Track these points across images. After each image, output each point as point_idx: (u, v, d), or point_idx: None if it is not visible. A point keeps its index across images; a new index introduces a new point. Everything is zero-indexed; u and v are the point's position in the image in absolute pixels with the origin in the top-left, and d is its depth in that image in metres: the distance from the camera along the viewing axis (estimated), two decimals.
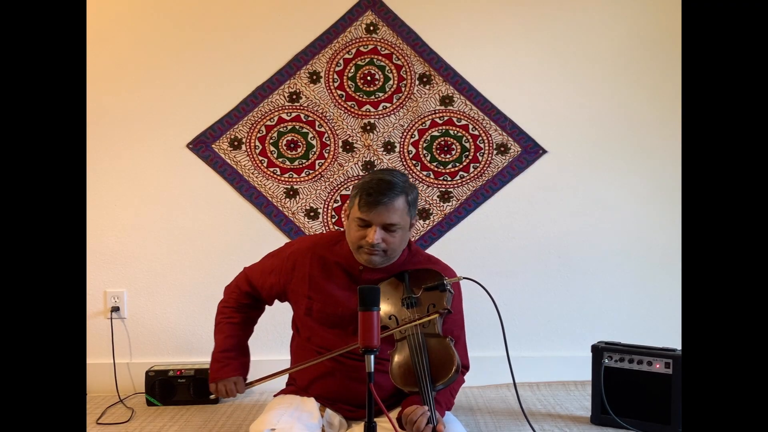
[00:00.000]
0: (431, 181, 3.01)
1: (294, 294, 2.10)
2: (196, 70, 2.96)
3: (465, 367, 2.08)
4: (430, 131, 3.00)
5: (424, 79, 2.99)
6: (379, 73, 3.00)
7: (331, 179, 3.00)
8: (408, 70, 2.99)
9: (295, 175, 3.00)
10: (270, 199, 2.99)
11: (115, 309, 2.96)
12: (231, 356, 2.15)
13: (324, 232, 2.98)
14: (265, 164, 2.99)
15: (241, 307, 2.21)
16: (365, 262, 1.99)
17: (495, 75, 2.99)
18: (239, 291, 2.22)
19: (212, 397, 2.16)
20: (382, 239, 1.93)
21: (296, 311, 2.14)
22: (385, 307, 1.98)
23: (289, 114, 2.99)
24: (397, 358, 1.93)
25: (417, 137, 3.00)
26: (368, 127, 3.00)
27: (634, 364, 2.37)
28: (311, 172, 3.00)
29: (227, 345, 2.18)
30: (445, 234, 3.00)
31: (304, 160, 3.00)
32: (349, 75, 3.00)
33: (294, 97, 2.99)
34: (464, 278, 2.02)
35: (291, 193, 3.00)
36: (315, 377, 2.05)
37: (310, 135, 3.00)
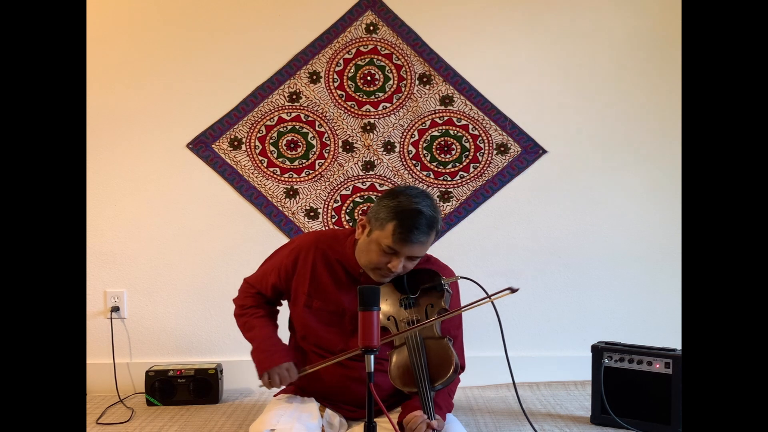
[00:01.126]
0: (431, 181, 3.01)
1: (294, 290, 2.09)
2: (196, 70, 2.96)
3: (461, 368, 2.07)
4: (430, 131, 3.00)
5: (424, 79, 2.99)
6: (379, 73, 3.00)
7: (331, 179, 3.00)
8: (408, 70, 2.99)
9: (295, 175, 3.00)
10: (270, 199, 2.99)
11: (115, 309, 2.96)
12: (277, 343, 2.06)
13: (324, 229, 2.97)
14: (265, 164, 2.99)
15: (261, 304, 2.16)
16: (376, 280, 1.97)
17: (495, 75, 2.99)
18: (251, 293, 2.17)
19: (261, 386, 2.03)
20: (403, 266, 1.91)
21: (294, 308, 2.13)
22: (383, 308, 1.98)
23: (289, 114, 2.99)
24: (395, 359, 1.93)
25: (417, 137, 3.00)
26: (368, 127, 3.00)
27: (634, 364, 2.37)
28: (311, 172, 3.00)
29: (268, 333, 2.07)
30: (445, 234, 3.00)
31: (304, 160, 3.00)
32: (349, 75, 3.00)
33: (294, 97, 2.99)
34: (461, 278, 2.01)
35: (291, 193, 3.00)
36: (315, 377, 2.05)
37: (310, 135, 3.00)
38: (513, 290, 1.88)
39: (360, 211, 2.98)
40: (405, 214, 1.82)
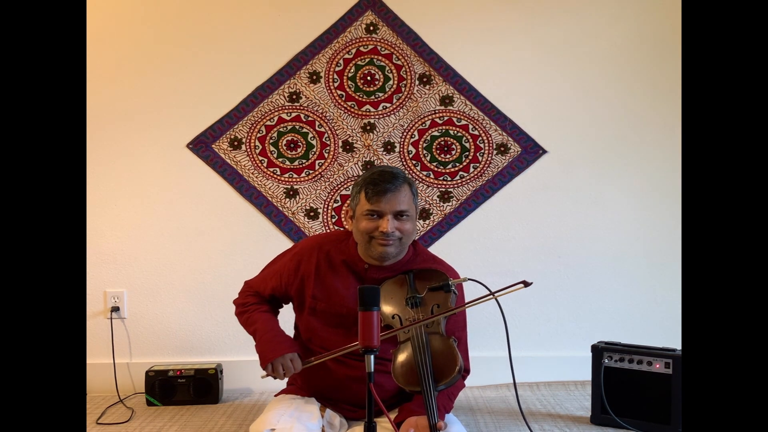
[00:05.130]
0: (431, 181, 3.01)
1: (298, 295, 2.09)
2: (197, 70, 2.96)
3: (466, 371, 2.07)
4: (430, 131, 3.00)
5: (424, 79, 2.99)
6: (379, 73, 3.00)
7: (331, 179, 3.00)
8: (408, 70, 2.99)
9: (295, 175, 3.00)
10: (270, 199, 2.99)
11: (115, 309, 2.96)
12: (280, 334, 2.07)
13: (326, 232, 2.98)
14: (265, 164, 2.99)
15: (262, 301, 2.17)
16: (379, 255, 1.97)
17: (495, 75, 2.99)
18: (250, 293, 2.19)
19: (264, 377, 2.03)
20: (396, 228, 1.93)
21: (299, 314, 2.13)
22: (388, 307, 1.98)
23: (289, 114, 2.99)
24: (400, 358, 1.93)
25: (417, 137, 3.00)
26: (368, 127, 3.00)
27: (634, 364, 2.37)
28: (311, 172, 3.00)
29: (272, 326, 2.09)
30: (445, 234, 3.00)
31: (304, 160, 3.00)
32: (349, 75, 2.99)
33: (294, 97, 2.99)
34: (469, 279, 2.00)
35: (291, 193, 3.00)
36: (316, 377, 2.04)
37: (310, 135, 2.99)
38: (526, 284, 1.87)
39: None
40: (369, 178, 1.97)
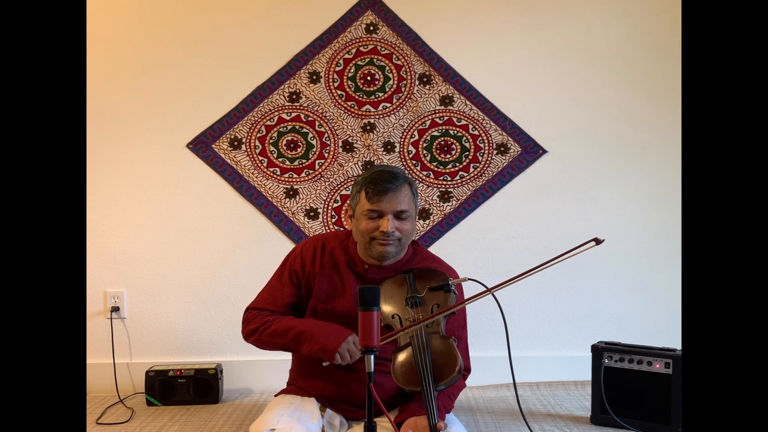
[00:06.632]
0: (431, 181, 3.00)
1: (306, 295, 2.09)
2: (196, 70, 2.96)
3: (467, 370, 2.07)
4: (430, 131, 3.00)
5: (424, 79, 2.99)
6: (379, 73, 3.00)
7: (331, 179, 3.00)
8: (408, 70, 2.99)
9: (295, 175, 3.00)
10: (270, 199, 2.99)
11: (115, 309, 2.96)
12: (329, 324, 1.97)
13: (326, 232, 2.98)
14: (265, 164, 2.99)
15: (280, 314, 2.05)
16: (379, 255, 1.97)
17: (495, 75, 2.99)
18: (264, 314, 2.04)
19: (327, 364, 1.93)
20: (396, 228, 1.93)
21: (302, 314, 2.13)
22: (388, 307, 1.98)
23: (289, 114, 2.99)
24: (399, 358, 1.93)
25: (417, 137, 3.00)
26: (368, 127, 3.00)
27: (634, 364, 2.37)
28: (311, 172, 3.00)
29: (314, 321, 1.98)
30: (445, 234, 3.00)
31: (304, 160, 3.00)
32: (349, 75, 2.99)
33: (294, 97, 2.99)
34: (469, 279, 2.01)
35: (291, 193, 3.00)
36: (316, 377, 2.04)
37: (310, 135, 2.99)
38: (598, 241, 1.88)
39: None
40: (370, 177, 1.98)
